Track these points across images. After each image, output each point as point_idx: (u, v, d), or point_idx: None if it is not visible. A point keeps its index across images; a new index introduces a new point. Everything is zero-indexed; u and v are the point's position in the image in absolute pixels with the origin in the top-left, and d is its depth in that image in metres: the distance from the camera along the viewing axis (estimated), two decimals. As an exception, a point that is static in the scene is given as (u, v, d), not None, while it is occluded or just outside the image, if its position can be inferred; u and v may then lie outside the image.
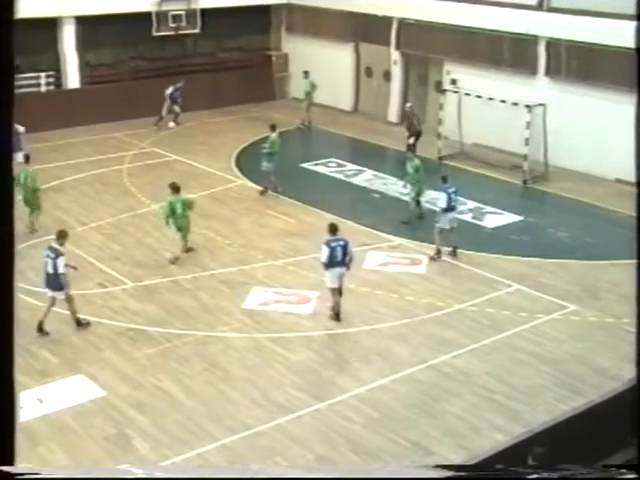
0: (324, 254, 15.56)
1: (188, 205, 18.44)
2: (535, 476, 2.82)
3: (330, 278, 15.73)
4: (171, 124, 29.59)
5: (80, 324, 15.50)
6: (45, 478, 2.59)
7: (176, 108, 29.56)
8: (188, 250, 18.67)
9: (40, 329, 15.18)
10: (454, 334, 15.47)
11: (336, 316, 15.84)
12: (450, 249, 18.69)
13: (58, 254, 15.16)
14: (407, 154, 22.14)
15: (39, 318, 15.15)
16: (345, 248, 15.64)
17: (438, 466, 2.75)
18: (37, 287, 16.95)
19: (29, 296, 16.47)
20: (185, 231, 18.52)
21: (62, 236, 15.49)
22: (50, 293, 15.33)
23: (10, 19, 2.49)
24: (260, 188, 22.74)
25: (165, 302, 16.60)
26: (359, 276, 17.78)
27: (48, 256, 15.23)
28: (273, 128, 23.10)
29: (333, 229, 15.92)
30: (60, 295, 15.28)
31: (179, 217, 18.27)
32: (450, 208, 18.59)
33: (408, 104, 27.20)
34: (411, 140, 25.44)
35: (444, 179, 18.94)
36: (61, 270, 15.07)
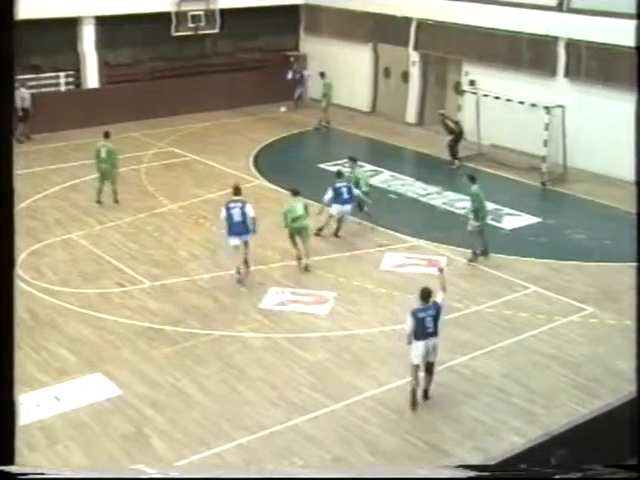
0: (408, 325, 13.01)
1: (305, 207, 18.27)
2: (557, 476, 2.82)
3: (414, 352, 12.94)
4: (283, 108, 31.57)
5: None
6: (46, 478, 2.60)
7: (297, 92, 31.92)
8: (306, 267, 18.26)
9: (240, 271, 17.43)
10: (471, 336, 15.43)
11: (412, 397, 13.02)
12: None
13: (244, 202, 17.51)
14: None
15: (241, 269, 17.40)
16: (436, 318, 12.99)
17: (460, 466, 2.75)
18: (55, 286, 17.07)
19: (48, 295, 16.59)
20: (307, 234, 18.28)
21: (239, 189, 18.03)
22: (238, 240, 17.32)
23: (10, 20, 2.50)
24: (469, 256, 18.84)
25: (183, 301, 16.64)
26: (376, 277, 17.80)
27: (233, 208, 17.45)
28: (472, 180, 19.02)
29: (425, 295, 13.05)
30: (248, 237, 17.43)
31: (302, 217, 18.04)
32: (342, 201, 19.44)
33: (440, 110, 27.04)
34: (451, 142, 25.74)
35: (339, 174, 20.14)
36: (252, 214, 17.37)
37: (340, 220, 19.83)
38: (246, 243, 17.72)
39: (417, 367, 13.04)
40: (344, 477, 3.38)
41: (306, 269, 18.04)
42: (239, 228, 17.43)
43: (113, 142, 22.14)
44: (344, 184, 19.72)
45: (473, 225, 18.44)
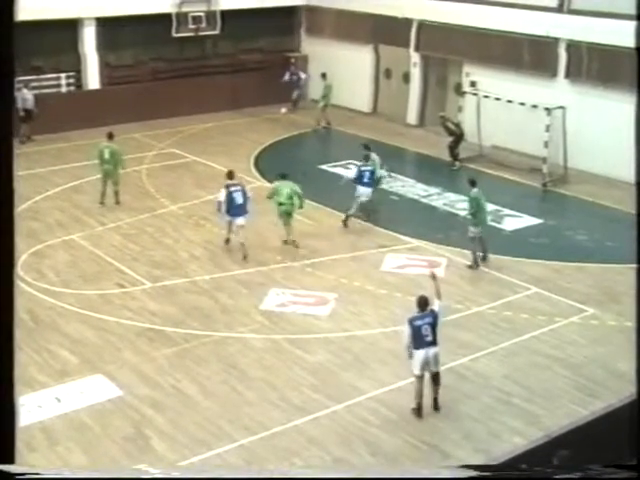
0: (405, 335, 12.91)
1: (296, 194, 18.95)
2: (558, 476, 2.83)
3: (414, 362, 12.82)
4: (283, 109, 31.49)
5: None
6: (46, 478, 2.60)
7: (294, 94, 31.67)
8: (287, 242, 19.23)
9: (227, 242, 18.99)
10: (472, 337, 15.43)
11: (417, 410, 12.89)
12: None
13: (242, 185, 18.70)
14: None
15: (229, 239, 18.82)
16: (434, 326, 12.80)
17: (462, 466, 2.75)
18: (56, 287, 17.07)
19: (49, 296, 16.59)
20: (288, 219, 19.05)
21: (232, 173, 19.07)
22: (241, 220, 18.31)
23: (10, 20, 2.51)
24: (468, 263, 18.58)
25: (183, 303, 16.65)
26: (377, 278, 17.80)
27: (235, 191, 18.35)
28: (473, 184, 18.76)
29: (422, 303, 12.93)
30: (246, 218, 18.33)
31: (283, 203, 18.84)
32: (362, 183, 20.34)
33: (441, 113, 27.03)
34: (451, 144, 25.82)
35: (366, 157, 21.09)
36: (249, 194, 18.54)
37: (364, 202, 20.54)
38: (242, 227, 18.44)
39: (420, 379, 12.85)
40: (345, 477, 3.39)
41: (293, 244, 19.07)
42: (239, 210, 18.38)
43: (114, 143, 22.15)
44: (369, 168, 20.62)
45: (473, 231, 18.42)
